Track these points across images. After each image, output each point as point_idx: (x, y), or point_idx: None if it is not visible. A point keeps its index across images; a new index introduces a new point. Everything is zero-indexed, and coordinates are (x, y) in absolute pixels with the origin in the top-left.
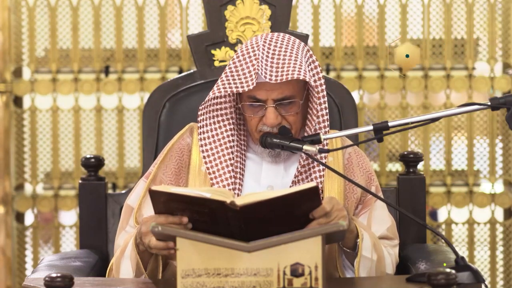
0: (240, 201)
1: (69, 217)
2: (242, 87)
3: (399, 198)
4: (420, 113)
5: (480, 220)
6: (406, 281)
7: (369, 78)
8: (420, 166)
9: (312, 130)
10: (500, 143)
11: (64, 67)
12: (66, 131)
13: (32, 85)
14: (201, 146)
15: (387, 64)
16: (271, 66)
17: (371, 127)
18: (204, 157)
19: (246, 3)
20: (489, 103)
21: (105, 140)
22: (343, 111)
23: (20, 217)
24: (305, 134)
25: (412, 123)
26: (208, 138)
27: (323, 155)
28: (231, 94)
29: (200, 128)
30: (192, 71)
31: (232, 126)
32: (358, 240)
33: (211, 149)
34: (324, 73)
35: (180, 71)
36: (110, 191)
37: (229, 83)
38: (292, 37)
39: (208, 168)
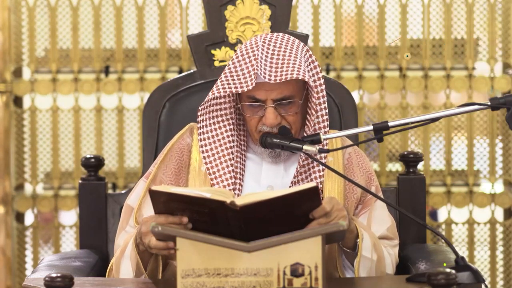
0: (240, 201)
1: (69, 217)
2: (242, 87)
3: (399, 198)
4: (420, 113)
5: (480, 220)
6: (406, 281)
7: (369, 78)
8: (420, 166)
9: (312, 130)
10: (500, 143)
11: (64, 67)
12: (66, 131)
13: (32, 85)
14: (201, 146)
15: (387, 64)
16: (270, 66)
17: (371, 127)
18: (204, 158)
19: (246, 3)
20: (489, 103)
21: (105, 140)
22: (343, 111)
23: (20, 217)
24: (305, 134)
25: (412, 123)
26: (208, 138)
27: (323, 155)
28: (230, 94)
29: (200, 129)
30: (192, 71)
31: (232, 127)
32: (358, 240)
33: (211, 149)
34: (324, 73)
35: (180, 71)
36: (110, 191)
37: (228, 84)
38: (292, 37)
39: (208, 169)
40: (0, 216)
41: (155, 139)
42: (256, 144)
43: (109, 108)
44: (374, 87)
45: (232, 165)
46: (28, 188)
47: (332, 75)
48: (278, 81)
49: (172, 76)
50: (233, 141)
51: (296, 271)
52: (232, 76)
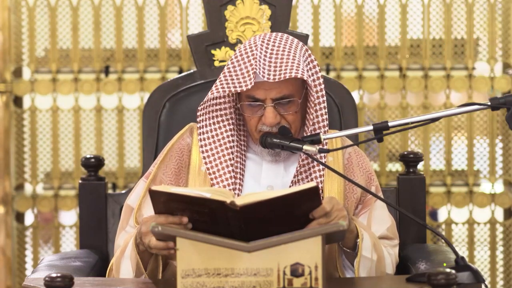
0: (240, 201)
1: (69, 217)
2: (241, 86)
3: (399, 198)
4: (420, 113)
5: (480, 220)
6: (406, 281)
7: (369, 78)
8: (420, 166)
9: (311, 129)
10: (500, 143)
11: (64, 67)
12: (66, 131)
13: (32, 85)
14: (201, 146)
15: (387, 64)
16: (269, 65)
17: (371, 127)
18: (204, 158)
19: (246, 3)
20: (489, 103)
21: (105, 140)
22: (343, 111)
23: (20, 217)
24: (304, 134)
25: (412, 123)
26: (208, 138)
27: (323, 155)
28: (230, 94)
29: (200, 129)
30: (192, 71)
31: (232, 127)
32: (358, 240)
33: (211, 149)
34: (324, 73)
35: (180, 71)
36: (110, 191)
37: (227, 83)
38: (291, 37)
39: (208, 169)
40: (0, 216)
41: (155, 139)
42: (256, 143)
43: (109, 108)
44: (374, 87)
45: (232, 165)
46: (28, 188)
47: (332, 75)
48: (277, 80)
49: (172, 76)
50: (233, 141)
51: (296, 271)
52: (231, 75)
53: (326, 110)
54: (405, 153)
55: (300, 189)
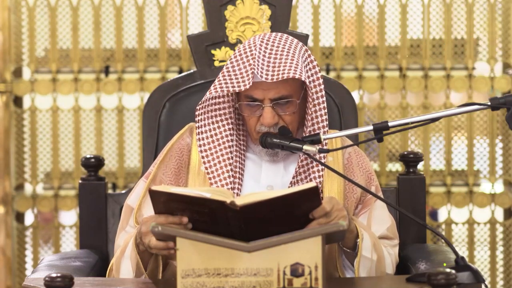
0: (240, 201)
1: (69, 217)
2: (239, 86)
3: (399, 198)
4: (420, 113)
5: (480, 220)
6: (406, 281)
7: (369, 78)
8: (420, 166)
9: (310, 129)
10: (500, 143)
11: (64, 67)
12: (66, 131)
13: (32, 85)
14: (200, 146)
15: (387, 64)
16: (267, 66)
17: (371, 127)
18: (202, 157)
19: (246, 3)
20: (489, 103)
21: (105, 140)
22: (343, 111)
23: (20, 217)
24: (303, 134)
25: (412, 123)
26: (207, 138)
27: (322, 155)
28: (228, 93)
29: (198, 128)
30: (192, 71)
31: (231, 126)
32: (358, 240)
33: (210, 149)
34: (324, 73)
35: (180, 71)
36: (110, 191)
37: (226, 83)
38: (290, 37)
39: (206, 168)
40: (0, 216)
41: (155, 139)
42: (255, 143)
43: (109, 108)
44: (374, 87)
45: (231, 164)
46: (28, 188)
47: (332, 75)
48: (275, 80)
49: (172, 76)
50: (232, 140)
51: (296, 271)
52: (229, 75)
53: (326, 111)
54: (405, 153)
55: (300, 189)
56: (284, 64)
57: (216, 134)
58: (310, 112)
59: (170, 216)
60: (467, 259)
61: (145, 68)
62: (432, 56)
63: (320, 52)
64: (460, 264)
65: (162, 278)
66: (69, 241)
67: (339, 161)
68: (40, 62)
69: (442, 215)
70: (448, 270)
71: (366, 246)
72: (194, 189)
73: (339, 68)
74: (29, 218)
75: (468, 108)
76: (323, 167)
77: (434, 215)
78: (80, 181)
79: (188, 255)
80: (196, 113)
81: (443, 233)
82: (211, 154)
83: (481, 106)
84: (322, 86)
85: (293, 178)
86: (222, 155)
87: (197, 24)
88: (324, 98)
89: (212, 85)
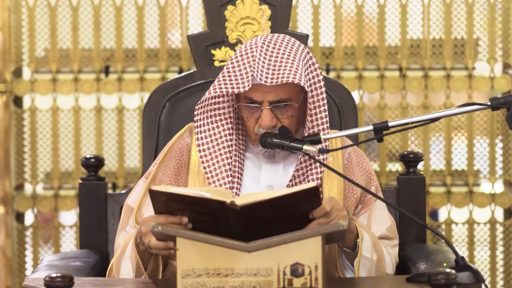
0: (240, 201)
1: (69, 217)
2: (238, 88)
3: (399, 198)
4: (420, 113)
5: (480, 220)
6: (406, 281)
7: (369, 78)
8: (420, 166)
9: (310, 132)
10: (500, 143)
11: (64, 67)
12: (66, 131)
13: (32, 85)
14: (198, 145)
15: (387, 64)
16: (268, 68)
17: (371, 127)
18: (201, 157)
19: (246, 3)
20: (489, 103)
21: (105, 140)
22: (343, 111)
23: (20, 217)
24: (304, 135)
25: (412, 123)
26: (206, 137)
27: (323, 156)
28: (227, 94)
29: (197, 128)
30: (192, 71)
31: (230, 126)
32: (358, 240)
33: (208, 148)
34: (324, 73)
35: (180, 71)
36: (110, 191)
37: (225, 83)
38: (292, 39)
39: (205, 168)
40: (0, 216)
41: (155, 139)
42: (253, 144)
43: (109, 108)
44: (374, 87)
45: (229, 164)
46: (28, 188)
47: (332, 75)
48: (274, 83)
49: (172, 76)
50: (231, 140)
51: (296, 271)
52: (229, 76)
53: (327, 113)
54: (405, 153)
55: (300, 189)
56: (284, 68)
57: (215, 134)
58: (310, 114)
59: (170, 216)
60: (467, 259)
61: (145, 68)
62: (432, 56)
63: (320, 52)
64: (460, 264)
65: (162, 278)
66: (69, 241)
67: (339, 161)
68: (40, 62)
69: (442, 215)
70: (448, 270)
71: (366, 246)
72: (194, 189)
73: (339, 68)
74: (29, 218)
75: (468, 108)
76: (323, 167)
77: (434, 215)
78: (80, 181)
79: (188, 255)
80: (195, 112)
81: (443, 233)
82: (210, 154)
83: (481, 106)
84: (324, 89)
85: (292, 177)
86: (220, 154)
87: (197, 24)
88: (325, 101)
89: (212, 85)
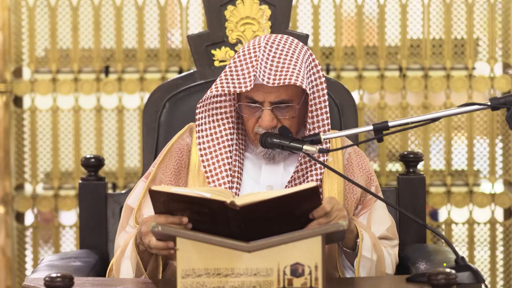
0: (240, 201)
1: (69, 217)
2: (240, 87)
3: (399, 198)
4: (420, 113)
5: (480, 220)
6: (406, 281)
7: (369, 78)
8: (420, 166)
9: (310, 133)
10: (500, 143)
11: (64, 67)
12: (66, 131)
13: (32, 85)
14: (199, 144)
15: (387, 64)
16: (270, 69)
17: (371, 127)
18: (201, 155)
19: (246, 3)
20: (489, 103)
21: (105, 140)
22: (343, 111)
23: (20, 217)
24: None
25: (412, 123)
26: (207, 136)
27: (324, 157)
28: (228, 93)
29: (198, 126)
30: (192, 71)
31: (231, 125)
32: (358, 240)
33: (209, 147)
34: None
35: (180, 71)
36: (110, 191)
37: (227, 83)
38: (296, 40)
39: (205, 167)
40: (0, 216)
41: (155, 139)
42: (253, 144)
43: (109, 108)
44: (374, 87)
45: (229, 163)
46: (28, 188)
47: (332, 75)
48: (276, 84)
49: (172, 76)
50: (231, 139)
51: (296, 271)
52: (232, 75)
53: (328, 115)
54: (405, 153)
55: (300, 189)
56: (286, 69)
57: (216, 133)
58: (311, 116)
59: (170, 216)
60: (467, 259)
61: (145, 68)
62: (432, 56)
63: (320, 52)
64: (460, 264)
65: (162, 278)
66: (69, 241)
67: (339, 162)
68: (40, 62)
69: (442, 215)
70: (448, 270)
71: (366, 246)
72: (194, 189)
73: (339, 68)
74: (29, 218)
75: (468, 108)
76: (323, 167)
77: (434, 215)
78: (80, 181)
79: (188, 255)
80: (197, 111)
81: (443, 233)
82: (210, 153)
83: (481, 106)
84: (326, 91)
85: (292, 177)
86: (221, 154)
87: (197, 24)
88: (327, 103)
89: (214, 83)
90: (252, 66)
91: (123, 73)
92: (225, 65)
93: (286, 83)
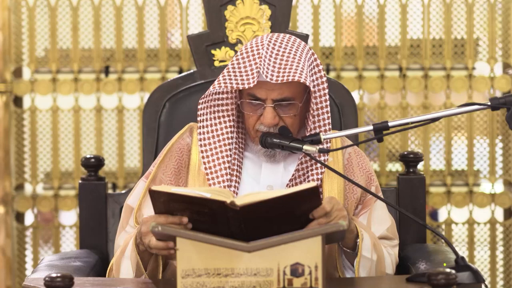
0: (240, 201)
1: (69, 217)
2: (243, 84)
3: (399, 198)
4: (420, 113)
5: (480, 220)
6: (406, 281)
7: (369, 78)
8: (420, 166)
9: (311, 132)
10: (500, 143)
11: (64, 67)
12: (66, 131)
13: (32, 85)
14: (200, 140)
15: (387, 64)
16: (273, 66)
17: (371, 127)
18: (201, 151)
19: (246, 3)
20: (489, 103)
21: (105, 140)
22: (343, 111)
23: (20, 217)
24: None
25: (412, 123)
26: (207, 133)
27: (324, 157)
28: (232, 90)
29: (200, 122)
30: (192, 71)
31: (232, 123)
32: (358, 240)
33: (209, 144)
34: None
35: (180, 71)
36: (110, 191)
37: (230, 79)
38: (298, 39)
39: (204, 163)
40: (0, 216)
41: (155, 139)
42: (253, 142)
43: (109, 108)
44: (374, 87)
45: (229, 161)
46: (28, 188)
47: (332, 75)
48: (279, 81)
49: (172, 76)
50: (231, 138)
51: (296, 271)
52: (234, 72)
53: (329, 115)
54: (405, 153)
55: (300, 189)
56: (290, 67)
57: (216, 130)
58: (313, 115)
59: (170, 216)
60: (467, 259)
61: (145, 68)
62: (432, 56)
63: (320, 52)
64: (460, 264)
65: (162, 278)
66: (69, 241)
67: (339, 162)
68: (40, 62)
69: (442, 215)
70: (448, 270)
71: (366, 246)
72: (194, 189)
73: (339, 68)
74: (29, 218)
75: (468, 108)
76: (323, 167)
77: (434, 215)
78: (80, 181)
79: (188, 255)
80: (199, 107)
81: (443, 233)
82: (210, 149)
83: (481, 106)
84: (327, 90)
85: (293, 178)
86: (221, 151)
87: (197, 24)
88: (328, 102)
89: (216, 80)
90: (255, 63)
91: (123, 73)
92: (225, 65)
93: (290, 80)
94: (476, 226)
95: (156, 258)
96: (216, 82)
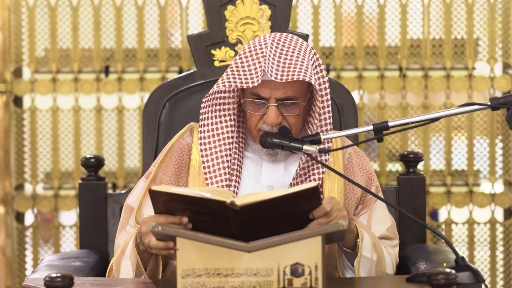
0: (240, 201)
1: (69, 217)
2: (247, 83)
3: (399, 198)
4: (420, 113)
5: (480, 220)
6: (406, 281)
7: (369, 78)
8: (420, 166)
9: (313, 132)
10: (500, 143)
11: (64, 67)
12: (66, 131)
13: (32, 85)
14: (200, 139)
15: (387, 64)
16: (278, 65)
17: (371, 127)
18: (201, 150)
19: (246, 3)
20: (489, 103)
21: (105, 140)
22: (343, 111)
23: (20, 217)
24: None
25: (412, 123)
26: (208, 131)
27: (324, 157)
28: (235, 89)
29: (201, 121)
30: (192, 71)
31: (233, 123)
32: (358, 240)
33: (209, 143)
34: None
35: (180, 71)
36: (110, 191)
37: (234, 78)
38: (300, 39)
39: (203, 162)
40: (0, 216)
41: (155, 139)
42: (254, 141)
43: (109, 108)
44: (374, 87)
45: (228, 161)
46: (28, 188)
47: (332, 75)
48: (284, 80)
49: (172, 76)
50: (232, 137)
51: (296, 271)
52: (238, 71)
53: (331, 115)
54: (405, 153)
55: (300, 189)
56: (294, 66)
57: (217, 129)
58: (315, 116)
59: (170, 216)
60: (467, 259)
61: (145, 68)
62: (432, 56)
63: (320, 52)
64: (460, 264)
65: (162, 278)
66: (69, 241)
67: (340, 162)
68: (40, 62)
69: (442, 215)
70: (448, 270)
71: (366, 246)
72: (194, 189)
73: (339, 68)
74: (29, 218)
75: (468, 108)
76: (323, 167)
77: (434, 215)
78: (80, 181)
79: (188, 255)
80: (202, 105)
81: (443, 233)
82: (210, 148)
83: (481, 106)
84: (328, 90)
85: (293, 178)
86: (220, 151)
87: (197, 24)
88: (330, 102)
89: (220, 79)
90: (260, 62)
91: (123, 73)
92: (225, 65)
93: (295, 79)
94: (476, 226)
95: (156, 258)
96: (219, 81)
